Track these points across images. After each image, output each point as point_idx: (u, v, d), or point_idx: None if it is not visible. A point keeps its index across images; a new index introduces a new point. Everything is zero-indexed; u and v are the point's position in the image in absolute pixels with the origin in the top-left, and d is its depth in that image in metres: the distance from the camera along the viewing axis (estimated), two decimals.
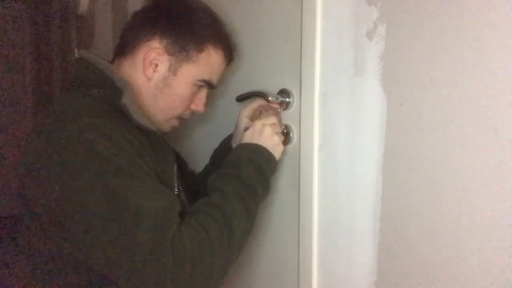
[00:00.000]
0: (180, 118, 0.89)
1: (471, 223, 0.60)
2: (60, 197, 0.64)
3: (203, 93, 0.88)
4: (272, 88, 0.90)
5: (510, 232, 0.56)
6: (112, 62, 0.86)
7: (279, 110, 0.89)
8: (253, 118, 0.92)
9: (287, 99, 0.87)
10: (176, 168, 0.87)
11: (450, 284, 0.63)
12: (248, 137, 0.84)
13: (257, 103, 0.90)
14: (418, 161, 0.66)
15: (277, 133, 0.85)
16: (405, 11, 0.66)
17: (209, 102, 0.92)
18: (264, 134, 0.83)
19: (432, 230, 0.65)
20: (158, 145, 0.80)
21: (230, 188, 0.76)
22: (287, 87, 0.88)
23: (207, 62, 0.85)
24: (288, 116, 0.88)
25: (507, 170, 0.56)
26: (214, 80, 0.88)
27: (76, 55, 0.83)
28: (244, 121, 0.91)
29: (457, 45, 0.60)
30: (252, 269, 1.01)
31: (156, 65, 0.82)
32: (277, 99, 0.87)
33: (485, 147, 0.58)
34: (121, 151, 0.67)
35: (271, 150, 0.82)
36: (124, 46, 0.84)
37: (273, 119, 0.86)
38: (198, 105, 0.88)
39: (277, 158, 0.84)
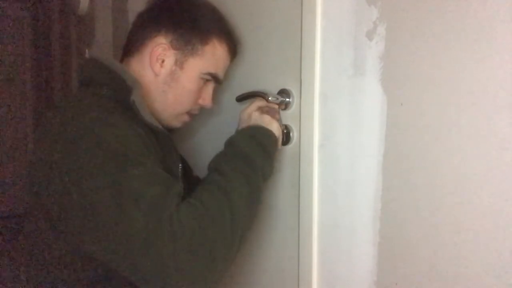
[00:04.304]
0: (190, 113, 0.90)
1: (471, 223, 0.60)
2: (68, 188, 0.65)
3: (210, 88, 0.90)
4: (272, 88, 0.90)
5: (510, 232, 0.56)
6: (120, 62, 0.87)
7: (279, 110, 0.89)
8: None
9: (287, 99, 0.87)
10: (180, 167, 0.88)
11: (450, 284, 0.63)
12: (240, 127, 0.87)
13: (256, 104, 0.90)
14: (418, 161, 0.66)
15: (266, 113, 0.85)
16: (405, 11, 0.66)
17: (216, 98, 0.93)
18: (253, 117, 0.85)
19: (432, 230, 0.65)
20: (165, 143, 0.81)
21: (227, 164, 0.77)
22: (287, 87, 0.88)
23: (212, 55, 0.86)
24: (288, 116, 0.88)
25: (507, 170, 0.56)
26: (220, 73, 0.89)
27: (87, 55, 0.85)
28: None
29: (457, 45, 0.60)
30: (252, 268, 1.00)
31: (163, 61, 0.83)
32: (277, 99, 0.87)
33: (485, 147, 0.58)
34: (128, 142, 0.68)
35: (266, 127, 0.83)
36: (131, 45, 0.86)
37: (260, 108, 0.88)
38: (206, 99, 0.89)
39: (275, 134, 0.83)
